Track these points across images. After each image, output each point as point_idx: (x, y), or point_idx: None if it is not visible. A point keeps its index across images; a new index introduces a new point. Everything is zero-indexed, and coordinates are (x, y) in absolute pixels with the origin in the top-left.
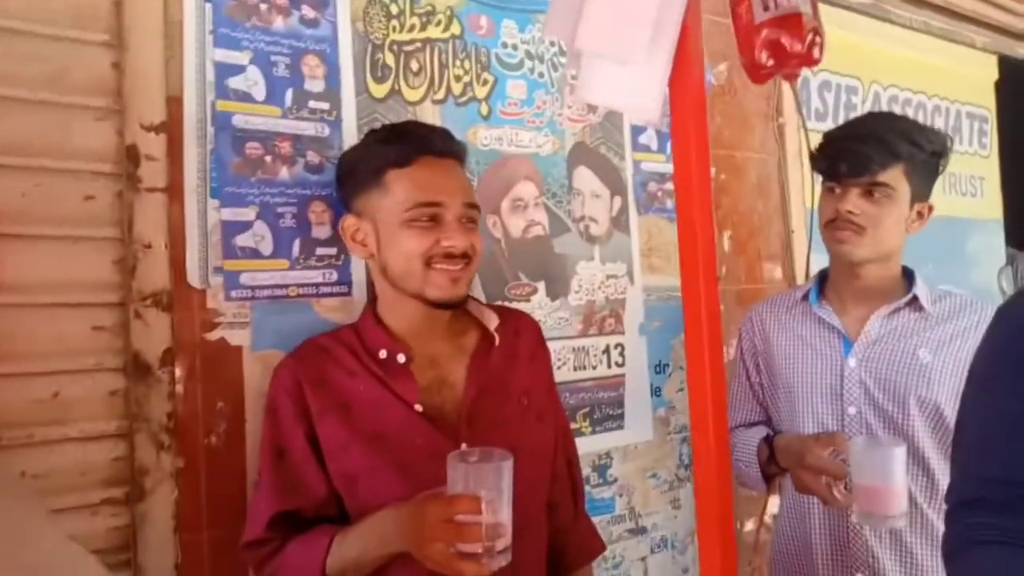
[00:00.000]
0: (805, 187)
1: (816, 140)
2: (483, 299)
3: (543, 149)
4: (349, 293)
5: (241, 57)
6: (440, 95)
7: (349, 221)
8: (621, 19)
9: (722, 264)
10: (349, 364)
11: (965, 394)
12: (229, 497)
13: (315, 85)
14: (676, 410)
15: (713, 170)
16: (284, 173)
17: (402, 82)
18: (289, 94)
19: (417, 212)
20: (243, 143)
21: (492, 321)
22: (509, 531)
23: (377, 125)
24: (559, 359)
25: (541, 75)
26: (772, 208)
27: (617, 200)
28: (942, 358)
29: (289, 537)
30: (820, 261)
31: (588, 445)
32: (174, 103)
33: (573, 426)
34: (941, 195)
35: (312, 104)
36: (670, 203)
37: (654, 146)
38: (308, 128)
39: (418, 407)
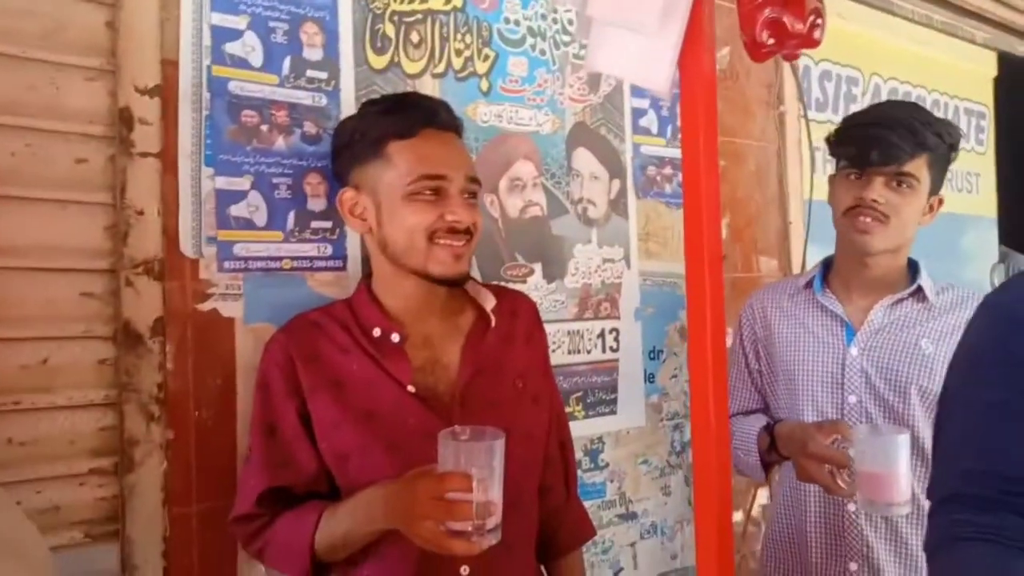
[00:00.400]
0: (804, 178)
1: (817, 131)
2: (479, 279)
3: (543, 128)
4: (344, 268)
5: (239, 22)
6: (440, 69)
7: (348, 194)
8: None
9: None
10: (342, 341)
11: (946, 388)
12: (219, 470)
13: (313, 54)
14: (669, 397)
15: None
16: (280, 143)
17: (402, 54)
18: (287, 62)
19: (421, 184)
20: (239, 110)
21: (489, 301)
22: (499, 510)
23: (376, 96)
24: (554, 342)
25: (543, 52)
26: (770, 197)
27: (616, 183)
28: (944, 349)
29: (278, 513)
30: (816, 253)
31: (580, 429)
32: (169, 66)
33: (566, 410)
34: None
35: (310, 73)
36: (669, 188)
37: (654, 129)
38: (305, 97)
39: (411, 387)
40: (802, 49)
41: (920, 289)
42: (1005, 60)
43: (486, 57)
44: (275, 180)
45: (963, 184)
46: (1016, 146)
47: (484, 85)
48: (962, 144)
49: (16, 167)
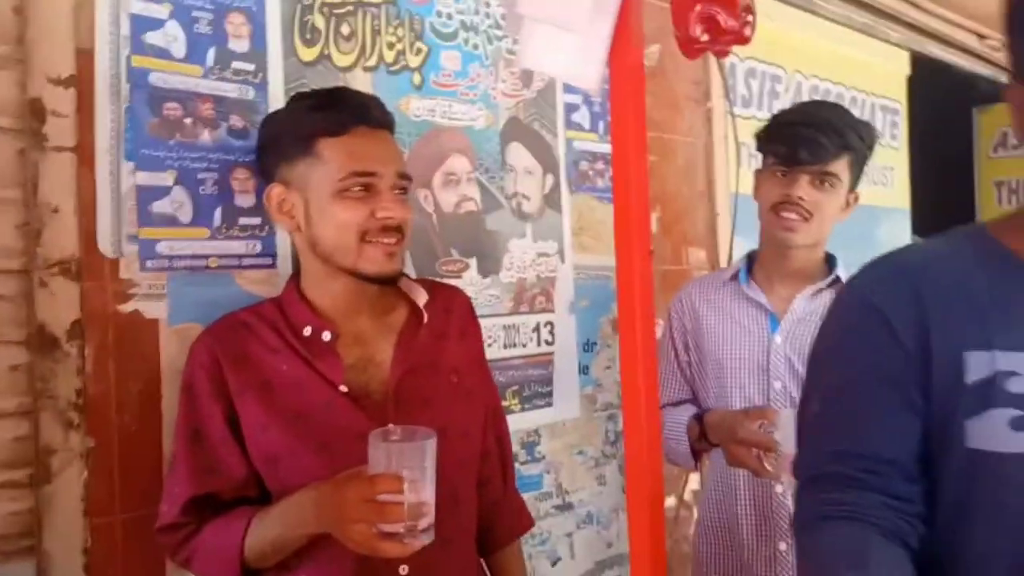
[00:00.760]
0: (730, 172)
1: (743, 126)
2: (414, 275)
3: (477, 123)
4: (274, 265)
5: (159, 10)
6: (372, 62)
7: (275, 191)
8: None
9: None
10: (271, 341)
11: (808, 370)
12: (144, 477)
13: (240, 45)
14: (603, 388)
15: None
16: (205, 136)
17: (332, 46)
18: (211, 53)
19: (351, 181)
20: (161, 103)
21: (421, 297)
22: (432, 510)
23: (305, 90)
24: (490, 336)
25: (476, 47)
26: (698, 192)
27: (549, 178)
28: None
29: (206, 520)
30: (743, 245)
31: (517, 423)
32: (84, 56)
33: (503, 404)
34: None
35: (236, 64)
36: (601, 182)
37: (587, 125)
38: (231, 90)
39: (343, 387)
40: (733, 46)
41: (838, 279)
42: (918, 59)
43: (419, 51)
44: (200, 175)
45: (879, 178)
46: (927, 141)
47: (417, 79)
48: (878, 140)
49: None
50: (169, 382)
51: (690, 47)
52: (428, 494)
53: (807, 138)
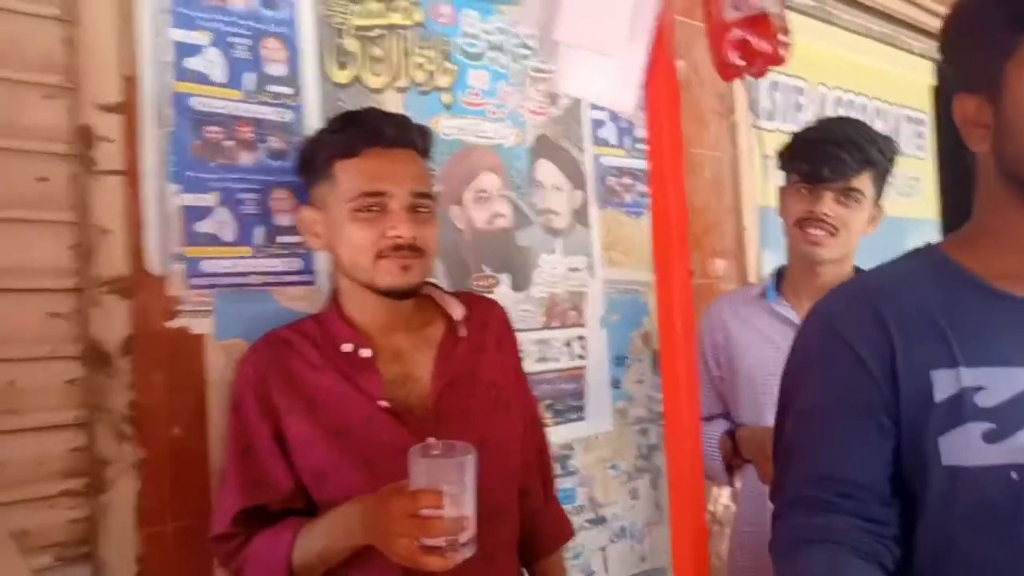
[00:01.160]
0: (757, 185)
1: (767, 139)
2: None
3: (506, 141)
4: (313, 283)
5: (200, 37)
6: (403, 83)
7: (304, 213)
8: (599, 9)
9: None
10: (312, 358)
11: (779, 397)
12: (192, 488)
13: (276, 69)
14: (634, 402)
15: None
16: (245, 158)
17: (365, 69)
18: (249, 77)
19: (361, 202)
20: (202, 126)
21: (458, 311)
22: (473, 523)
23: (340, 112)
24: (522, 351)
25: (503, 66)
26: (725, 205)
27: (578, 194)
28: None
29: (255, 531)
30: (771, 258)
31: (550, 436)
32: (129, 83)
33: None
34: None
35: (273, 88)
36: (629, 197)
37: (613, 140)
38: (269, 113)
39: (383, 402)
40: (770, 67)
41: None
42: (941, 69)
43: (447, 71)
44: (241, 196)
45: (905, 189)
46: (954, 152)
47: (446, 99)
48: (904, 150)
49: None
50: (215, 395)
51: (727, 70)
52: (468, 508)
53: (830, 155)
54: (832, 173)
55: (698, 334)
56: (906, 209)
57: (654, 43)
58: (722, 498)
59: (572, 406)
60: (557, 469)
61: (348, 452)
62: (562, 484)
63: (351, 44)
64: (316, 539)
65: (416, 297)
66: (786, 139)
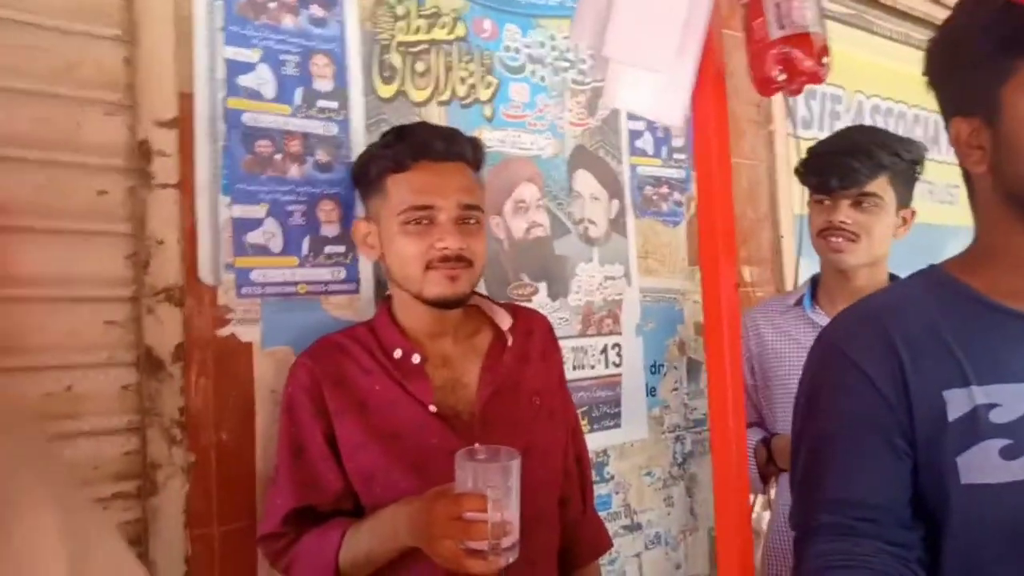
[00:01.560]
0: (794, 194)
1: (805, 148)
2: None
3: (544, 152)
4: (357, 291)
5: (251, 55)
6: (445, 97)
7: (360, 225)
8: (649, 25)
9: None
10: (365, 363)
11: (793, 421)
12: (239, 492)
13: (324, 84)
14: (670, 409)
15: None
16: (294, 171)
17: (408, 83)
18: (298, 92)
19: (410, 215)
20: (253, 140)
21: (505, 321)
22: (516, 528)
23: (384, 125)
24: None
25: (542, 79)
26: (762, 214)
27: (615, 203)
28: None
29: (304, 530)
30: (808, 266)
31: (586, 443)
32: (185, 99)
33: None
34: (920, 203)
35: (321, 103)
36: (665, 206)
37: (650, 150)
38: (317, 127)
39: (432, 408)
40: (808, 85)
41: None
42: None
43: (489, 84)
44: (289, 207)
45: (945, 196)
46: None
47: (488, 112)
48: (943, 157)
49: (40, 200)
50: (262, 402)
51: (766, 86)
52: (511, 513)
53: (838, 164)
54: (842, 182)
55: None
56: (946, 216)
57: (703, 56)
58: (755, 506)
59: (608, 413)
60: (594, 476)
61: (398, 455)
62: (597, 491)
63: (395, 59)
64: (363, 540)
65: (464, 306)
66: (802, 158)
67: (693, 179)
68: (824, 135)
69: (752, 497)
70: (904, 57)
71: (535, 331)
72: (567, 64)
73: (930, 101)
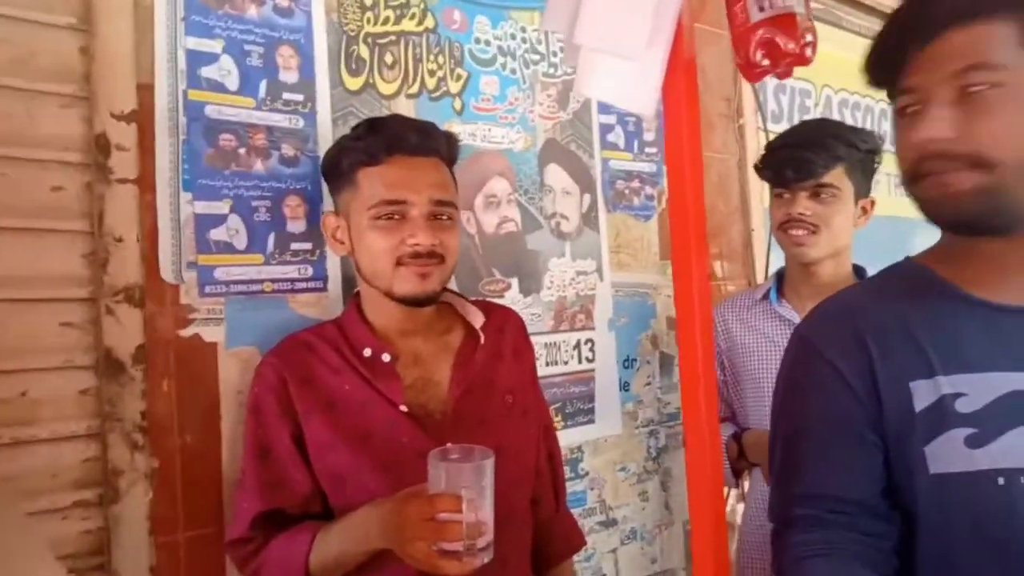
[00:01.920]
0: (764, 187)
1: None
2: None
3: (515, 145)
4: (324, 288)
5: (214, 45)
6: (414, 89)
7: (329, 219)
8: (620, 13)
9: None
10: (333, 361)
11: (770, 419)
12: (205, 497)
13: (289, 76)
14: (643, 404)
15: None
16: (258, 165)
17: (376, 75)
18: (263, 85)
19: (381, 209)
20: (216, 134)
21: (478, 319)
22: (490, 528)
23: (352, 118)
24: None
25: (513, 71)
26: (733, 208)
27: (587, 197)
28: None
29: (273, 535)
30: (779, 260)
31: (560, 439)
32: (145, 91)
33: None
34: (887, 196)
35: (286, 95)
36: (637, 201)
37: (622, 144)
38: (282, 120)
39: (403, 407)
40: (795, 67)
41: None
42: None
43: (458, 77)
44: (254, 203)
45: None
46: None
47: (457, 104)
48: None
49: None
50: (227, 403)
51: (751, 71)
52: (485, 513)
53: (794, 157)
54: (798, 174)
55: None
56: (913, 209)
57: (673, 46)
58: (729, 499)
59: (581, 409)
60: (568, 472)
61: (368, 455)
62: (572, 487)
63: (363, 51)
64: (333, 542)
65: (436, 304)
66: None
67: (665, 173)
68: None
69: (725, 491)
70: None
71: (507, 328)
72: (538, 57)
73: None
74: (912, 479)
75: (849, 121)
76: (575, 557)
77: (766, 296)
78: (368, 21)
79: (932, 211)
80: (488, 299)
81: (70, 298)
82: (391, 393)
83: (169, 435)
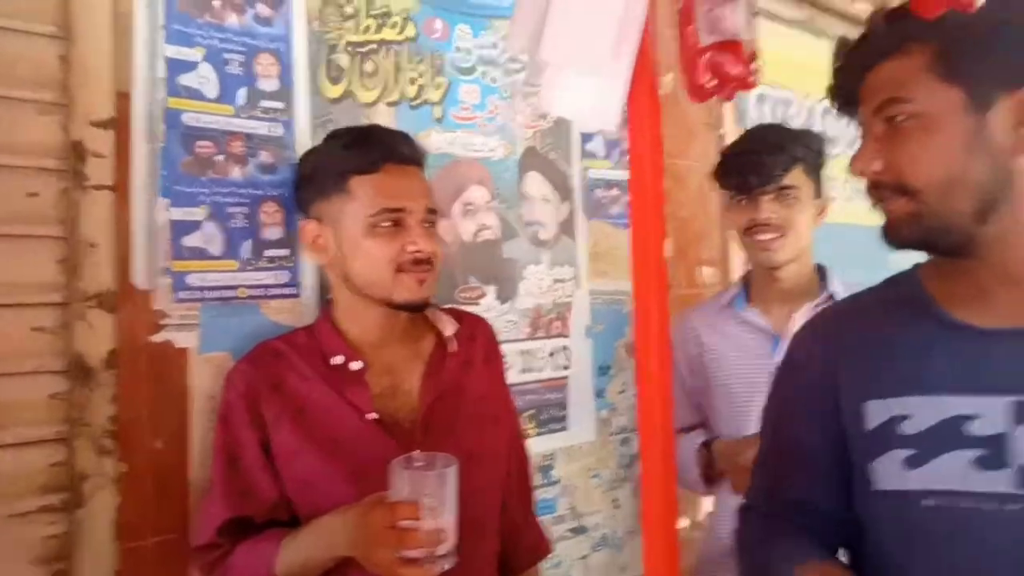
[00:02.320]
0: None
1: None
2: (433, 302)
3: (495, 154)
4: (299, 295)
5: (193, 54)
6: (394, 98)
7: (310, 227)
8: (584, 28)
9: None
10: (304, 369)
11: (763, 411)
12: (173, 502)
13: (269, 84)
14: (617, 411)
15: None
16: (236, 172)
17: (357, 83)
18: (242, 92)
19: (381, 217)
20: (194, 141)
21: (449, 327)
22: (452, 535)
23: (331, 126)
24: (507, 361)
25: (494, 80)
26: (712, 216)
27: (566, 205)
28: None
29: (239, 542)
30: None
31: (533, 446)
32: (123, 99)
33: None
34: (864, 204)
35: (265, 103)
36: (616, 209)
37: (601, 153)
38: (261, 127)
39: (372, 415)
40: (739, 91)
41: (832, 296)
42: None
43: (439, 85)
44: (230, 210)
45: None
46: None
47: (437, 113)
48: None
49: None
50: (198, 409)
51: (698, 92)
52: (446, 520)
53: (753, 163)
54: (760, 178)
55: (673, 346)
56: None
57: (638, 60)
58: (707, 506)
59: (555, 416)
60: (540, 479)
61: (335, 463)
62: (544, 494)
63: (343, 59)
64: (299, 550)
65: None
66: (716, 162)
67: None
68: None
69: (703, 498)
70: None
71: (478, 336)
72: (519, 66)
73: None
74: (863, 495)
75: (830, 131)
76: (543, 564)
77: (732, 303)
78: (349, 30)
79: (886, 236)
80: (463, 306)
81: (42, 303)
82: (359, 401)
83: (138, 440)
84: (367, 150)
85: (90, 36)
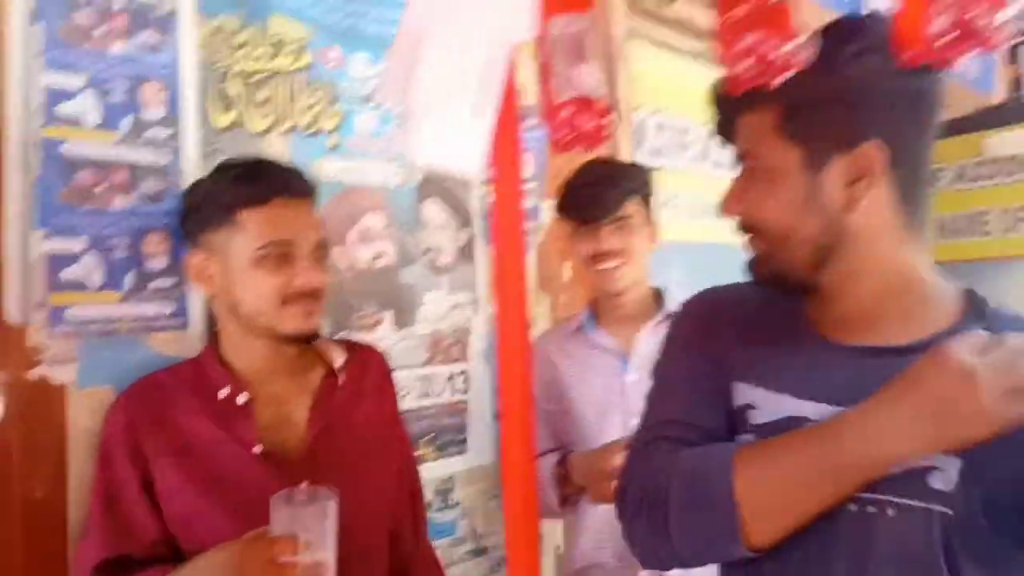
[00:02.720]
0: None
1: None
2: (328, 329)
3: (392, 181)
4: (186, 327)
5: (74, 81)
6: (287, 126)
7: (195, 259)
8: (449, 81)
9: (562, 293)
10: (187, 403)
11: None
12: (48, 546)
13: (155, 112)
14: None
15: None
16: (118, 202)
17: (248, 112)
18: (126, 121)
19: (268, 250)
20: (73, 171)
21: (338, 358)
22: (330, 570)
23: (220, 155)
24: (405, 388)
25: (391, 108)
26: None
27: (464, 231)
28: None
29: None
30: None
31: (432, 471)
32: None
33: (417, 453)
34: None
35: (151, 132)
36: None
37: None
38: (146, 156)
39: (257, 448)
40: (591, 147)
41: (670, 315)
42: None
43: (334, 114)
44: (112, 240)
45: None
46: None
47: (332, 141)
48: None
49: None
50: (77, 447)
51: (557, 145)
52: (325, 554)
53: (592, 195)
54: (601, 211)
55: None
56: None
57: (501, 109)
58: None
59: (454, 440)
60: (439, 502)
61: (219, 499)
62: (443, 517)
63: (233, 87)
64: None
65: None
66: (558, 193)
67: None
68: (672, 164)
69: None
70: None
71: (370, 367)
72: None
73: None
74: None
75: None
76: None
77: (581, 327)
78: (241, 59)
79: (749, 270)
80: (359, 332)
81: None
82: (245, 434)
83: (10, 482)
84: (256, 183)
85: None
